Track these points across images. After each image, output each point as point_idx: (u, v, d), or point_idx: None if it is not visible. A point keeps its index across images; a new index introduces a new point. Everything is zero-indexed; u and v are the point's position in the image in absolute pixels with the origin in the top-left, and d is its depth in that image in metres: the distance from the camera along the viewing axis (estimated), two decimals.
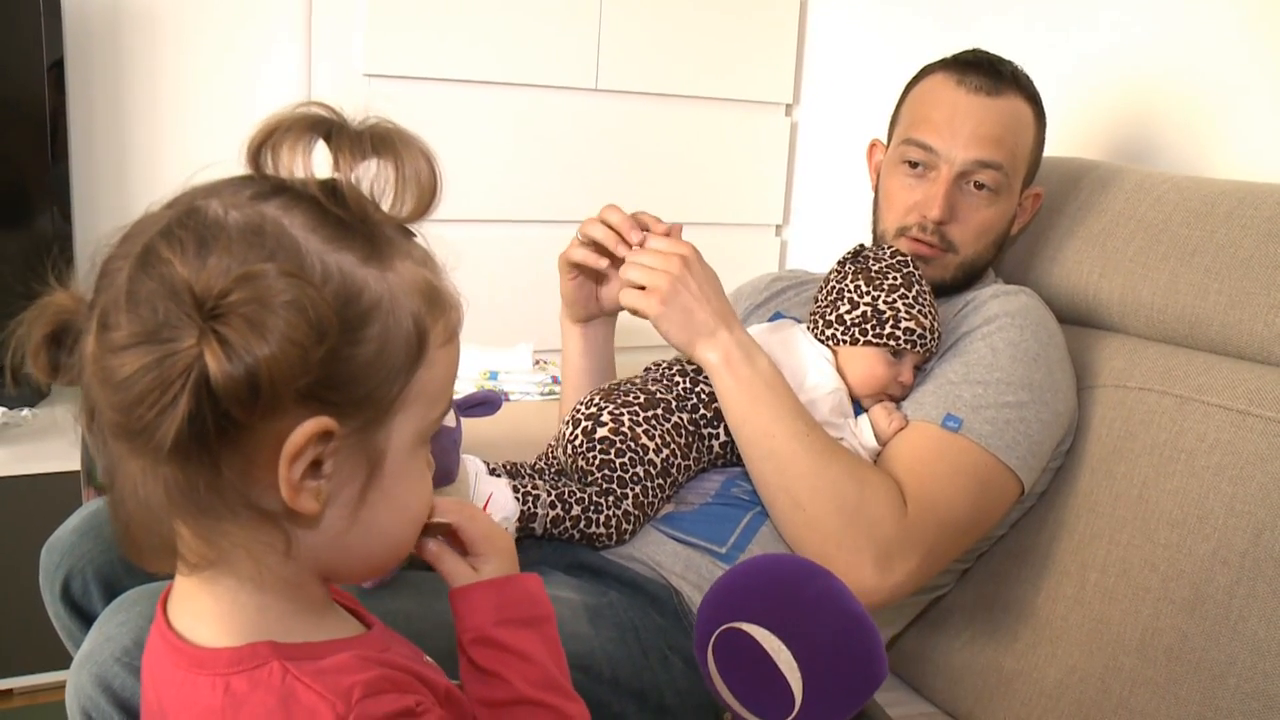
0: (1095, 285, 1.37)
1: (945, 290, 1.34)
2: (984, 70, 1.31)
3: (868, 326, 1.22)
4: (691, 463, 1.20)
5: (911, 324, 1.21)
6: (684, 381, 1.22)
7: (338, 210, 0.56)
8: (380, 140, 0.57)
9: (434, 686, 0.63)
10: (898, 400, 1.26)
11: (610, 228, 1.21)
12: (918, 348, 1.23)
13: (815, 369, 1.23)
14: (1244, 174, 1.43)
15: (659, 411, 1.18)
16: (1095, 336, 1.38)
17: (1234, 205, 1.26)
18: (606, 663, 1.03)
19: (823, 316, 1.26)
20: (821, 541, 1.12)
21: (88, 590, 1.02)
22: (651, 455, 1.15)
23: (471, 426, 1.06)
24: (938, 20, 2.00)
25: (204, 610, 0.60)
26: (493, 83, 2.04)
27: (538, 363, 1.89)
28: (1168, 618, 1.15)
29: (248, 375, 0.51)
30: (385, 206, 0.58)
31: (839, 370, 1.24)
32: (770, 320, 1.41)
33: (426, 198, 0.59)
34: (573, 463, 1.17)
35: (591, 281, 1.30)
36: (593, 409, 1.18)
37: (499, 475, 1.17)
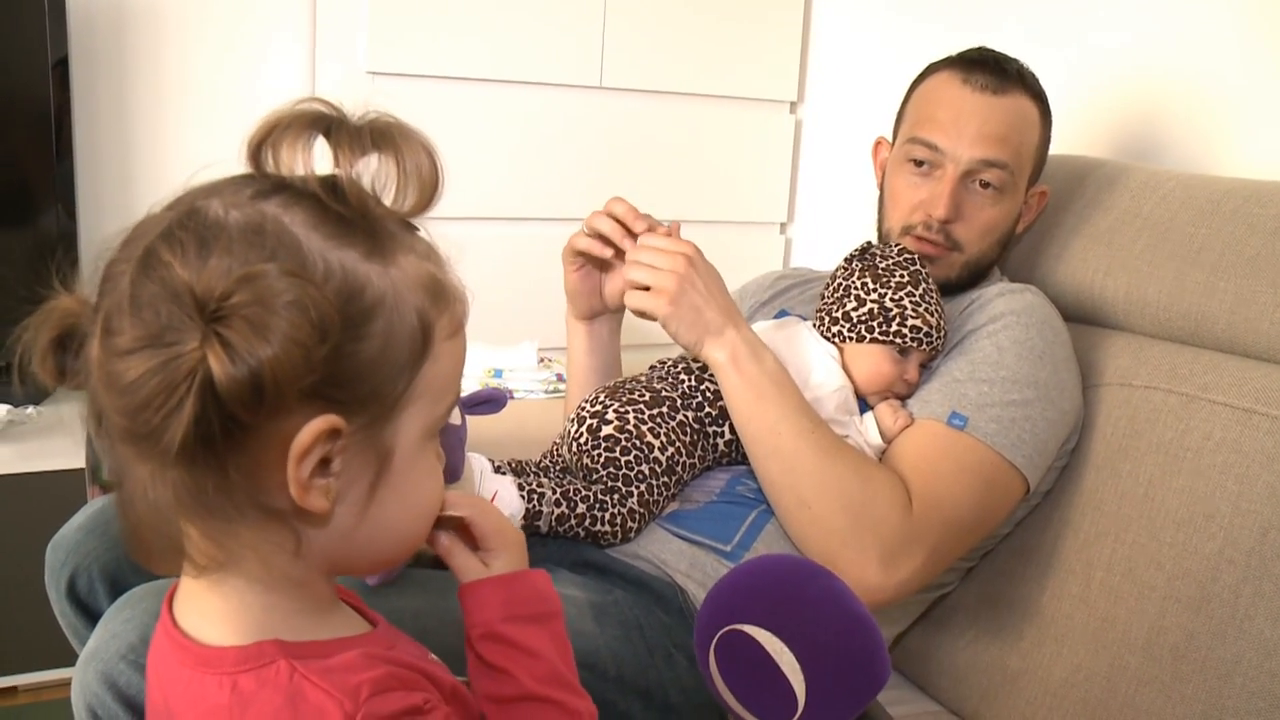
0: (1101, 283, 1.36)
1: (950, 289, 1.34)
2: (989, 68, 1.30)
3: (874, 324, 1.22)
4: (696, 461, 1.20)
5: (918, 322, 1.21)
6: (689, 379, 1.22)
7: (338, 207, 0.56)
8: (380, 135, 0.57)
9: (440, 683, 0.63)
10: (903, 398, 1.25)
11: (616, 220, 1.21)
12: (924, 346, 1.23)
13: (821, 366, 1.23)
14: (1251, 172, 1.42)
15: (664, 409, 1.18)
16: (1101, 335, 1.37)
17: (1240, 203, 1.26)
18: (611, 661, 1.03)
19: (829, 313, 1.26)
20: (827, 539, 1.12)
21: (93, 587, 1.02)
22: (656, 453, 1.15)
23: (476, 424, 1.06)
24: (943, 18, 2.00)
25: (211, 609, 0.60)
26: (497, 80, 2.04)
27: (542, 360, 1.89)
28: (1173, 616, 1.15)
29: (251, 377, 0.51)
30: (387, 201, 0.58)
31: (845, 368, 1.24)
32: (775, 318, 1.41)
33: (428, 191, 0.59)
34: (578, 460, 1.17)
35: (596, 271, 1.31)
36: (598, 407, 1.18)
37: (504, 473, 1.17)
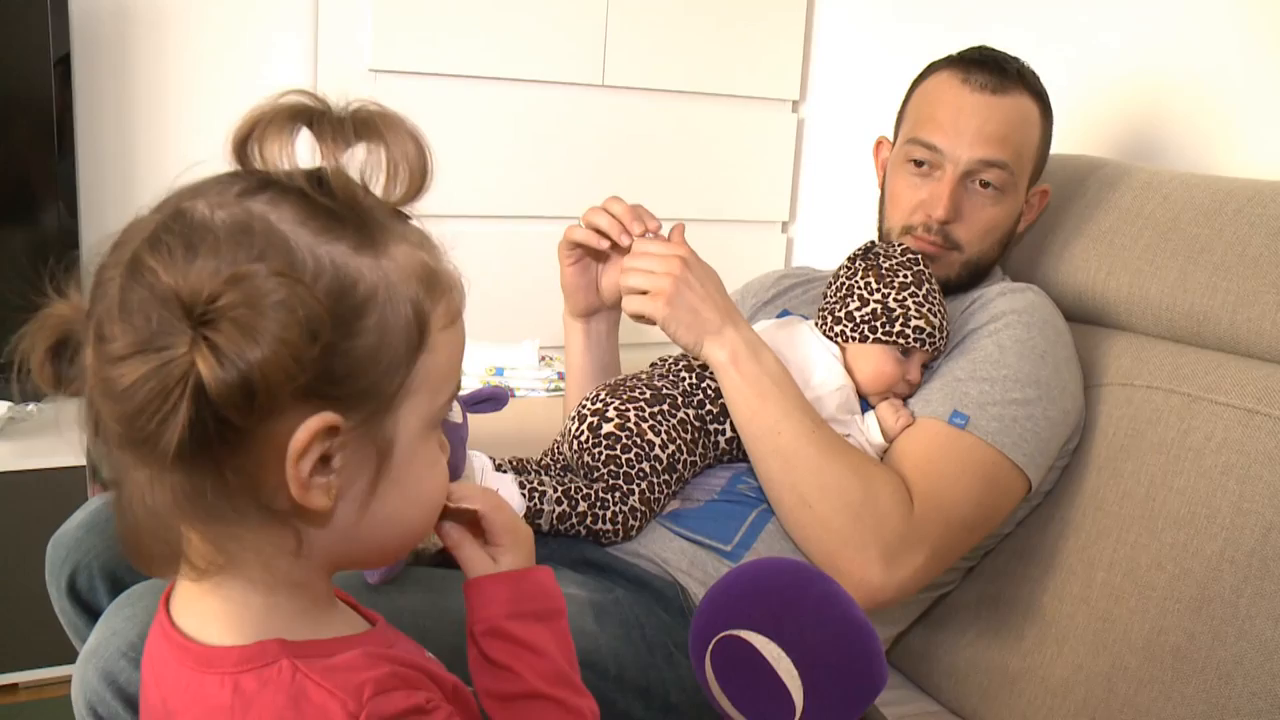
0: (1103, 283, 1.36)
1: (951, 289, 1.34)
2: (989, 68, 1.30)
3: (877, 324, 1.22)
4: (697, 458, 1.20)
5: (921, 322, 1.21)
6: (690, 377, 1.22)
7: (326, 200, 0.55)
8: (364, 124, 0.56)
9: (441, 682, 0.63)
10: (904, 398, 1.25)
11: (614, 217, 1.22)
12: (927, 346, 1.23)
13: (822, 365, 1.23)
14: (1253, 172, 1.42)
15: (665, 407, 1.18)
16: (1102, 334, 1.37)
17: (1243, 203, 1.26)
18: (612, 660, 1.03)
19: (831, 313, 1.26)
20: (828, 538, 1.12)
21: (93, 585, 1.02)
22: (657, 451, 1.15)
23: (477, 422, 1.06)
24: (945, 17, 1.99)
25: (211, 610, 0.60)
26: (499, 78, 2.03)
27: (543, 359, 1.89)
28: (1174, 617, 1.15)
29: (241, 380, 0.50)
30: (377, 190, 0.57)
31: (847, 367, 1.24)
32: (777, 318, 1.41)
33: (418, 179, 0.58)
34: (579, 458, 1.17)
35: (592, 266, 1.31)
36: (598, 404, 1.18)
37: (505, 471, 1.17)
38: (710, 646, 0.82)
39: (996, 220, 1.32)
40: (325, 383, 0.53)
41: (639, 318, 1.18)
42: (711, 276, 1.18)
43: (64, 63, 1.78)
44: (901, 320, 1.21)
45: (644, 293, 1.16)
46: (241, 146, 0.56)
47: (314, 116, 0.56)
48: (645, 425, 1.16)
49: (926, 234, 1.31)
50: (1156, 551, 1.19)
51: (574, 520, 1.12)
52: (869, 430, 1.22)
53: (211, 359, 0.50)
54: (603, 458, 1.14)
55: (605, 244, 1.24)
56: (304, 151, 0.57)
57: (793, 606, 0.80)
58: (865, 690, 0.79)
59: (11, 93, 1.76)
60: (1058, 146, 1.40)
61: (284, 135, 0.56)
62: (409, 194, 0.58)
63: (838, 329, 1.25)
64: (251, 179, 0.56)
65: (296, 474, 0.54)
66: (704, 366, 1.21)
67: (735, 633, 0.80)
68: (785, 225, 2.42)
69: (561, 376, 1.83)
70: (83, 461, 1.66)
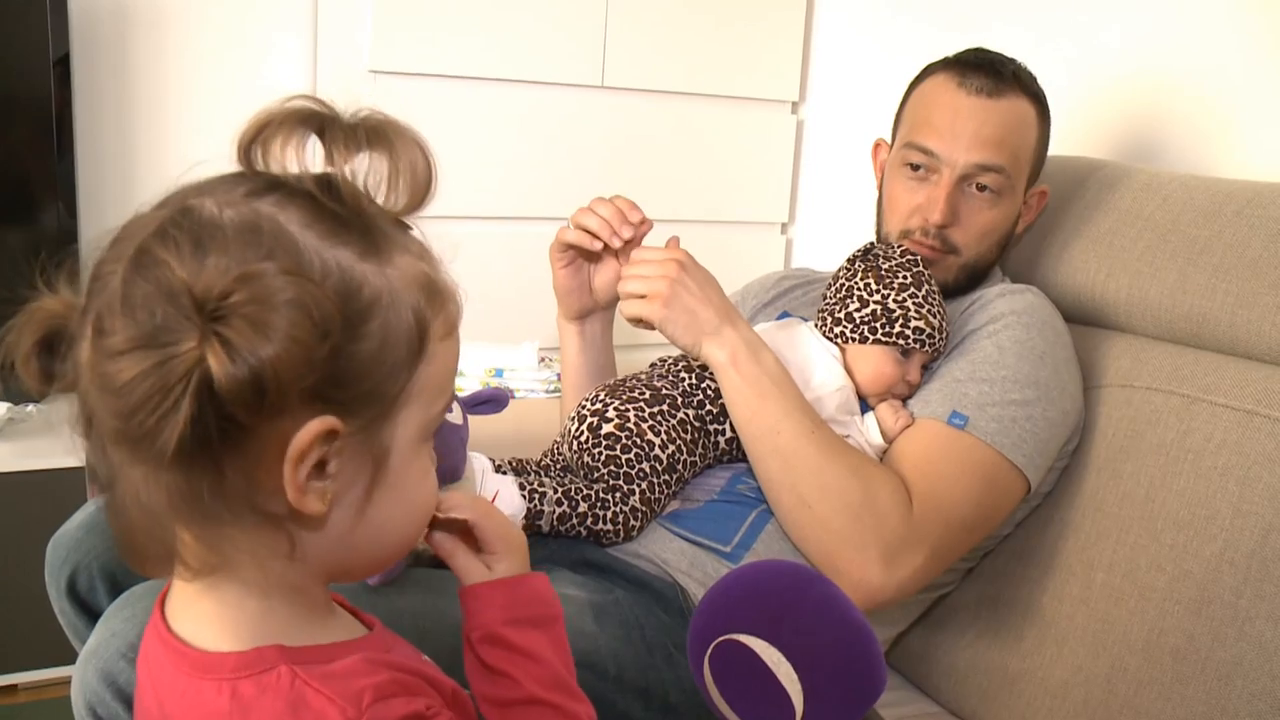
0: (1102, 284, 1.36)
1: (949, 292, 1.34)
2: (985, 71, 1.30)
3: (877, 325, 1.22)
4: (697, 459, 1.20)
5: (921, 323, 1.21)
6: (690, 377, 1.22)
7: (333, 205, 0.55)
8: (374, 132, 0.56)
9: (440, 687, 0.62)
10: (904, 399, 1.25)
11: (602, 219, 1.23)
12: (926, 347, 1.23)
13: (822, 366, 1.23)
14: (1253, 174, 1.42)
15: (664, 407, 1.18)
16: (1102, 336, 1.37)
17: (1242, 205, 1.26)
18: (611, 660, 1.03)
19: (831, 314, 1.26)
20: (827, 538, 1.12)
21: (93, 586, 1.02)
22: (657, 451, 1.15)
23: (477, 424, 1.06)
24: (944, 18, 1.99)
25: (207, 614, 0.59)
26: (499, 79, 2.03)
27: (543, 360, 1.89)
28: (1174, 618, 1.15)
29: (252, 376, 0.50)
30: (380, 199, 0.58)
31: (846, 368, 1.24)
32: (777, 319, 1.41)
33: (422, 190, 0.58)
34: (578, 459, 1.17)
35: (584, 267, 1.31)
36: (598, 405, 1.18)
37: (505, 473, 1.17)
38: (709, 650, 0.82)
39: (994, 223, 1.32)
40: (329, 385, 0.53)
41: (637, 322, 1.18)
42: (709, 279, 1.19)
43: (63, 63, 1.78)
44: (901, 321, 1.21)
45: (641, 297, 1.16)
46: (248, 148, 0.56)
47: (325, 123, 0.56)
48: (645, 426, 1.16)
49: (924, 238, 1.31)
50: (1156, 553, 1.19)
51: (574, 521, 1.12)
52: (868, 431, 1.22)
53: (223, 354, 0.50)
54: (603, 458, 1.15)
55: (597, 244, 1.25)
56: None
57: (792, 610, 0.80)
58: (865, 693, 0.79)
59: (11, 93, 1.76)
60: (1057, 148, 1.40)
61: (294, 140, 0.56)
62: (412, 204, 0.58)
63: (837, 330, 1.25)
64: (258, 180, 0.56)
65: (294, 477, 0.54)
66: (704, 367, 1.21)
67: (734, 637, 0.80)
68: (785, 227, 2.42)
69: (560, 378, 1.83)
70: (82, 462, 1.65)
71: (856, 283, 1.24)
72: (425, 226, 0.61)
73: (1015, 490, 1.21)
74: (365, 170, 0.57)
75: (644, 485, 1.14)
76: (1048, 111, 1.35)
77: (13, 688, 1.73)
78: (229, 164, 0.58)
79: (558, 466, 1.23)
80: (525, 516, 1.09)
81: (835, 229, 2.28)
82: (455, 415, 1.00)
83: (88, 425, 0.55)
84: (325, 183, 0.56)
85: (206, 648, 0.59)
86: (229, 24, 1.97)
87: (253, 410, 0.51)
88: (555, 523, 1.11)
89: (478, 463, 1.09)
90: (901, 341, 1.22)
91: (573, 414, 1.21)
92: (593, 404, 1.19)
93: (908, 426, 1.21)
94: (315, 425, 0.53)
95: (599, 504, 1.13)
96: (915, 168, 1.32)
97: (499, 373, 1.83)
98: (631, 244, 1.25)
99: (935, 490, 1.15)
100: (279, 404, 0.52)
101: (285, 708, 0.56)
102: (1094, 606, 1.22)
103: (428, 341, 0.58)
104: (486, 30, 1.99)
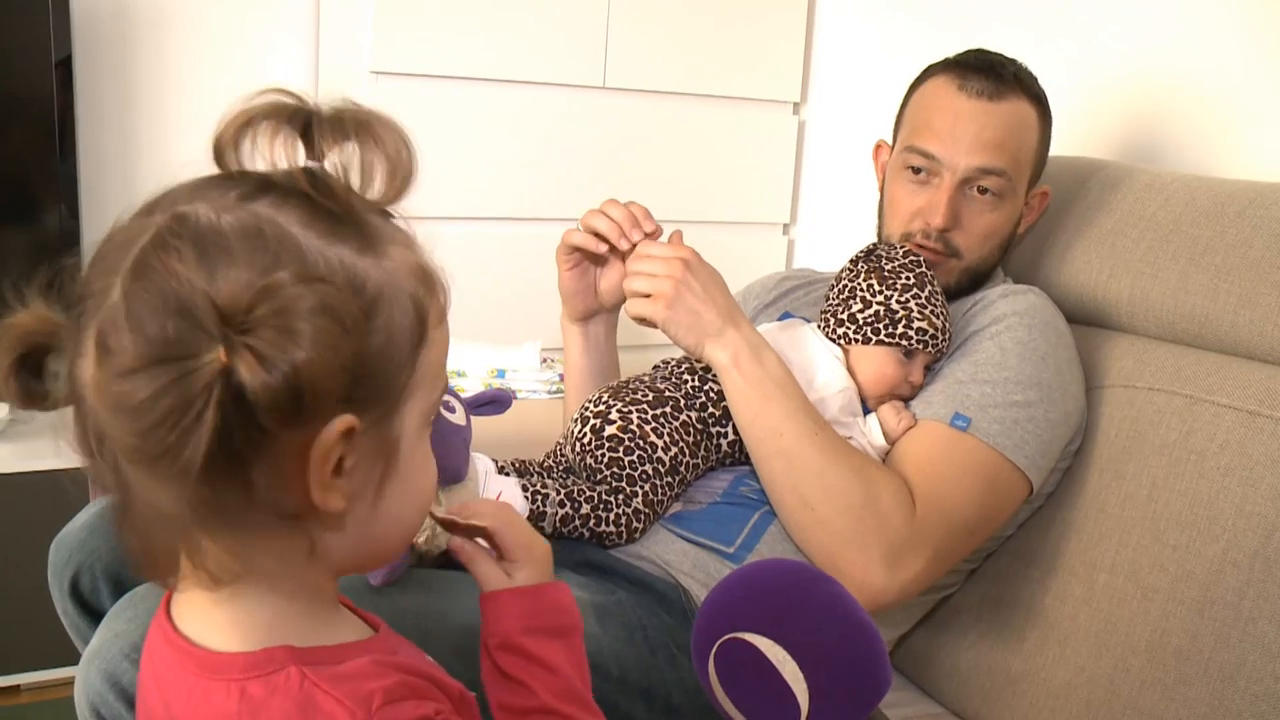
0: (1104, 285, 1.36)
1: (951, 295, 1.33)
2: (986, 73, 1.30)
3: (880, 326, 1.22)
4: (700, 461, 1.20)
5: (924, 324, 1.21)
6: (692, 379, 1.22)
7: (327, 202, 0.55)
8: (359, 123, 0.56)
9: (448, 690, 0.62)
10: (906, 400, 1.25)
11: (612, 221, 1.22)
12: (929, 348, 1.23)
13: (825, 367, 1.23)
14: (1255, 174, 1.42)
15: (667, 409, 1.18)
16: (1104, 336, 1.37)
17: (1245, 205, 1.26)
18: (614, 662, 1.03)
19: (834, 315, 1.26)
20: (830, 540, 1.12)
21: (96, 587, 1.02)
22: (660, 453, 1.15)
23: (479, 425, 1.06)
24: (945, 19, 1.99)
25: (216, 616, 0.59)
26: (500, 80, 2.03)
27: (545, 361, 1.89)
28: (1177, 619, 1.15)
29: (288, 384, 0.50)
30: (361, 190, 0.57)
31: (849, 369, 1.24)
32: (779, 320, 1.41)
33: (407, 178, 0.57)
34: (581, 461, 1.17)
35: (590, 269, 1.31)
36: (601, 407, 1.18)
37: (508, 474, 1.17)
38: (714, 649, 0.82)
39: (995, 226, 1.32)
40: (349, 385, 0.53)
41: (641, 320, 1.18)
42: (714, 278, 1.18)
43: (65, 64, 1.78)
44: (904, 322, 1.21)
45: (646, 295, 1.16)
46: (230, 148, 0.56)
47: (309, 117, 0.55)
48: (648, 428, 1.16)
49: (926, 241, 1.31)
50: (1158, 553, 1.19)
51: (577, 523, 1.12)
52: (871, 432, 1.22)
53: (255, 364, 0.49)
54: (605, 460, 1.15)
55: (603, 248, 1.25)
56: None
57: (797, 609, 0.80)
58: (870, 692, 0.79)
59: (13, 94, 1.76)
60: (1059, 148, 1.40)
61: (280, 136, 0.55)
62: (397, 194, 0.58)
63: (840, 331, 1.25)
64: (248, 182, 0.55)
65: (320, 477, 0.53)
66: (706, 369, 1.21)
67: (739, 635, 0.80)
68: (786, 227, 2.42)
69: (563, 379, 1.83)
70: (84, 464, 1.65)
71: (859, 283, 1.24)
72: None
73: (1018, 492, 1.21)
74: (336, 162, 0.56)
75: (647, 487, 1.14)
76: (1049, 112, 1.35)
77: (15, 688, 1.73)
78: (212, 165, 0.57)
79: (560, 468, 1.23)
80: (528, 518, 1.09)
81: (837, 230, 2.28)
82: (458, 416, 1.00)
83: (97, 444, 0.53)
84: (314, 179, 0.55)
85: (214, 648, 0.59)
86: (230, 25, 1.97)
87: (288, 417, 0.51)
88: (558, 524, 1.11)
89: (481, 464, 1.09)
90: (905, 343, 1.22)
91: (576, 416, 1.21)
92: (596, 406, 1.19)
93: (910, 428, 1.21)
94: (337, 425, 0.53)
95: (602, 506, 1.13)
96: (916, 171, 1.32)
97: (501, 373, 1.83)
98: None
99: (938, 492, 1.15)
100: (315, 409, 0.51)
101: (294, 709, 0.56)
102: (1096, 607, 1.22)
103: (427, 329, 0.58)
104: (488, 31, 2.00)
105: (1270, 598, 1.09)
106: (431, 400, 0.60)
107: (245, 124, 0.55)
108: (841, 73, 2.29)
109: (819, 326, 1.28)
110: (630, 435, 1.15)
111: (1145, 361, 1.29)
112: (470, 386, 1.76)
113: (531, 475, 1.19)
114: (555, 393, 1.82)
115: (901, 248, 1.27)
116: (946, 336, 1.24)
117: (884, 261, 1.24)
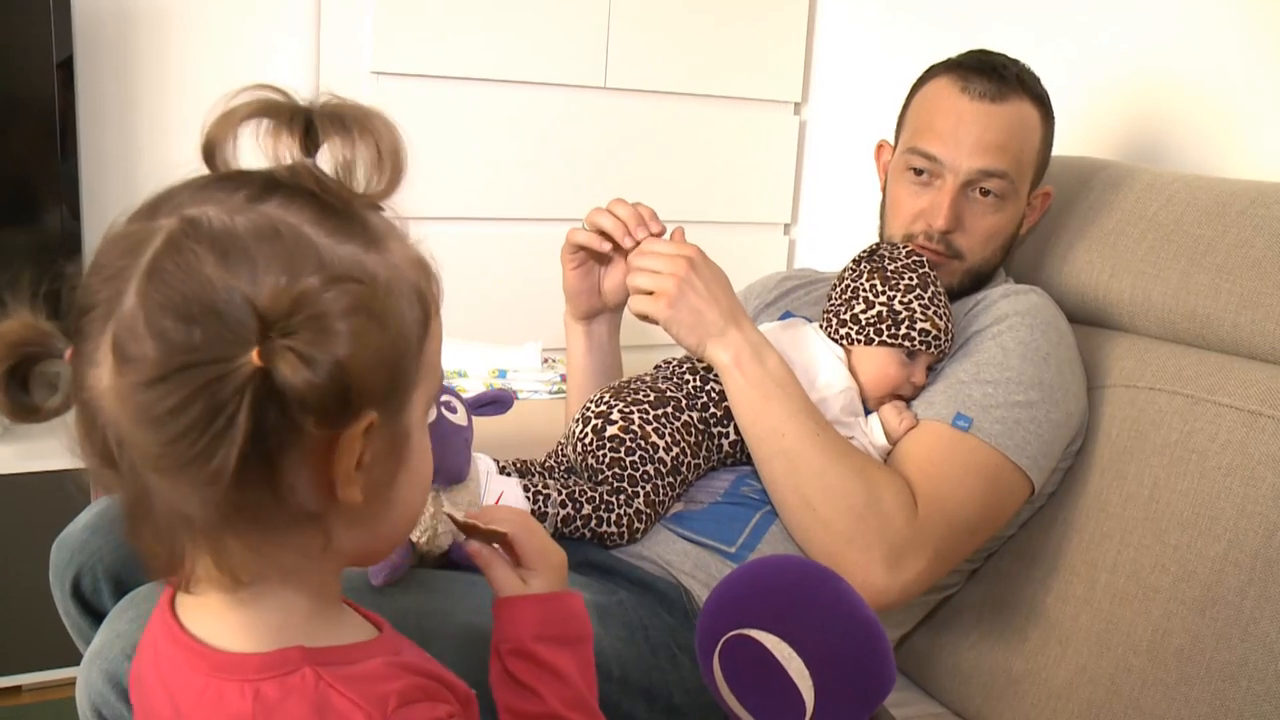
0: (1106, 285, 1.36)
1: (953, 294, 1.33)
2: (988, 75, 1.30)
3: (883, 326, 1.22)
4: (701, 461, 1.20)
5: (927, 325, 1.21)
6: (694, 379, 1.22)
7: (332, 200, 0.55)
8: (359, 117, 0.56)
9: (455, 691, 0.63)
10: (908, 400, 1.25)
11: (618, 219, 1.22)
12: (932, 349, 1.22)
13: (827, 367, 1.23)
14: (1257, 173, 1.42)
15: (669, 410, 1.18)
16: (1106, 336, 1.37)
17: (1246, 205, 1.26)
18: (615, 662, 1.03)
19: (836, 315, 1.26)
20: (832, 540, 1.12)
21: (98, 587, 1.02)
22: (661, 454, 1.15)
23: (481, 425, 1.06)
24: (946, 19, 1.99)
25: (229, 616, 0.59)
26: (501, 81, 2.03)
27: (546, 361, 1.89)
28: (1178, 619, 1.15)
29: (332, 381, 0.50)
30: (351, 185, 0.57)
31: (851, 369, 1.24)
32: (780, 319, 1.41)
33: (401, 173, 0.57)
34: (583, 461, 1.17)
35: (594, 268, 1.31)
36: (603, 407, 1.18)
37: (509, 474, 1.17)
38: (719, 646, 0.82)
39: (998, 227, 1.32)
40: (387, 380, 0.54)
41: (643, 317, 1.18)
42: (718, 277, 1.18)
43: (66, 65, 1.78)
44: (907, 323, 1.21)
45: (649, 293, 1.16)
46: (220, 146, 0.56)
47: (309, 113, 0.55)
48: (649, 428, 1.16)
49: (928, 243, 1.31)
50: (1160, 553, 1.19)
51: (579, 523, 1.12)
52: (872, 433, 1.22)
53: (297, 363, 0.49)
54: (607, 460, 1.14)
55: (608, 246, 1.25)
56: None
57: (803, 605, 0.80)
58: (875, 690, 0.79)
59: (14, 94, 1.76)
60: (1060, 148, 1.39)
61: (284, 133, 0.55)
62: (390, 188, 0.58)
63: (843, 331, 1.25)
64: (252, 183, 0.55)
65: (345, 473, 0.53)
66: (708, 369, 1.21)
67: (745, 632, 0.80)
68: (787, 227, 2.42)
69: (564, 379, 1.83)
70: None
71: (862, 284, 1.24)
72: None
73: (1019, 492, 1.21)
74: (332, 157, 0.56)
75: (648, 487, 1.14)
76: (1051, 113, 1.35)
77: (17, 689, 1.73)
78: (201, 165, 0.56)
79: (562, 468, 1.23)
80: None
81: (838, 229, 2.28)
82: (460, 416, 1.00)
83: (116, 453, 0.52)
84: (316, 177, 0.55)
85: (226, 648, 0.58)
86: (231, 26, 1.97)
87: (331, 415, 0.51)
88: (559, 524, 1.11)
89: (482, 464, 1.09)
90: (907, 343, 1.22)
91: (577, 416, 1.21)
92: (597, 406, 1.19)
93: (912, 428, 1.21)
94: (362, 420, 0.53)
95: (603, 506, 1.13)
96: (919, 172, 1.32)
97: (502, 374, 1.83)
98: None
99: (939, 492, 1.15)
100: (359, 404, 0.52)
101: (310, 710, 0.55)
102: (1098, 607, 1.22)
103: (430, 320, 0.58)
104: (489, 31, 2.00)
105: (1272, 598, 1.09)
106: (433, 389, 0.61)
107: (238, 122, 0.55)
108: (842, 73, 2.29)
109: (821, 326, 1.28)
110: (632, 435, 1.15)
111: (1147, 361, 1.29)
112: (471, 387, 1.76)
113: (533, 475, 1.19)
114: (556, 393, 1.82)
115: (904, 248, 1.26)
116: (949, 337, 1.24)
117: (887, 262, 1.24)
